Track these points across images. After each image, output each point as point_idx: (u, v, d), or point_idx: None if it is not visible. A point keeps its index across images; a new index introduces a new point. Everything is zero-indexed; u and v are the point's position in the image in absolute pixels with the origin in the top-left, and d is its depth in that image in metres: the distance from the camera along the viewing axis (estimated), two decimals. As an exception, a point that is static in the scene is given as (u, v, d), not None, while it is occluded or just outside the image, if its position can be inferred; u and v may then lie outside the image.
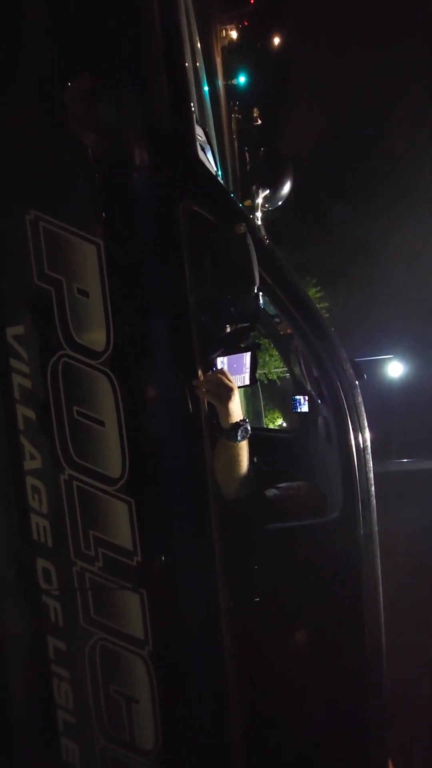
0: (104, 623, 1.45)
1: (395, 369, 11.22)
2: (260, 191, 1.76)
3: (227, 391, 1.42)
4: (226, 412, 1.43)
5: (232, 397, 1.43)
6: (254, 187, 1.77)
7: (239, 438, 1.44)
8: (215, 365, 1.62)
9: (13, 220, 1.40)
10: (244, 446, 1.47)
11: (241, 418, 1.45)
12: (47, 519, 1.46)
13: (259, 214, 1.76)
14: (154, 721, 1.47)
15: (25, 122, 1.43)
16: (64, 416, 1.42)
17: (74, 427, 1.42)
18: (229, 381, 1.43)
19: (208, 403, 1.46)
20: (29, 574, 1.47)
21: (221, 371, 1.47)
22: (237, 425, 1.43)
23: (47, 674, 1.49)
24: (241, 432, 1.43)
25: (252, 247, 1.36)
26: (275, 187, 1.77)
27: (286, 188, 1.79)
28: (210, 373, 1.47)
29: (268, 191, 1.77)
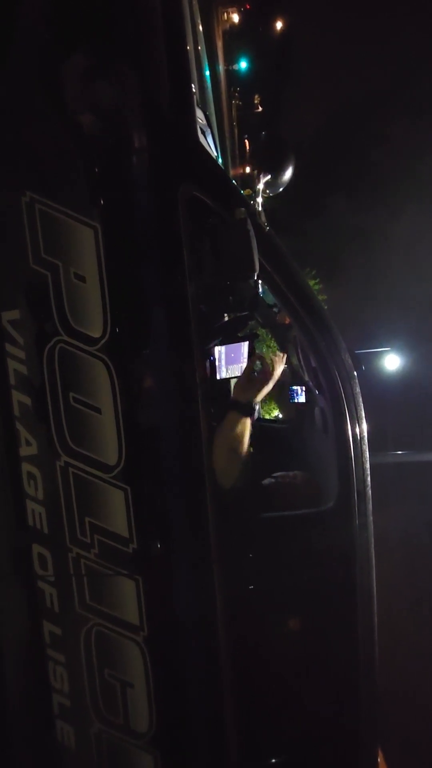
0: (100, 609, 1.46)
1: (392, 361, 11.22)
2: (261, 176, 1.73)
3: (269, 380, 1.56)
4: (260, 391, 1.53)
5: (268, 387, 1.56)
6: (255, 172, 1.74)
7: (255, 414, 1.54)
8: (213, 354, 1.62)
9: (9, 202, 1.37)
10: (249, 426, 1.52)
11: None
12: (43, 505, 1.45)
13: (259, 200, 1.74)
14: (149, 704, 1.48)
15: (21, 102, 1.39)
16: (61, 403, 1.41)
17: (70, 414, 1.41)
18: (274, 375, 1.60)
19: (209, 393, 1.47)
20: (25, 559, 1.47)
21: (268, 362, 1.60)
22: (255, 404, 1.53)
23: (43, 658, 1.50)
24: (257, 409, 1.55)
25: (252, 233, 1.34)
26: (277, 172, 1.75)
27: (288, 174, 1.76)
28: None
29: (269, 176, 1.74)
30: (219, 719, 1.52)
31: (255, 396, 1.52)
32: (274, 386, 1.57)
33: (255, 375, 1.55)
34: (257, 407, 1.55)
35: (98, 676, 1.49)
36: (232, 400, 1.53)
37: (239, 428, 1.50)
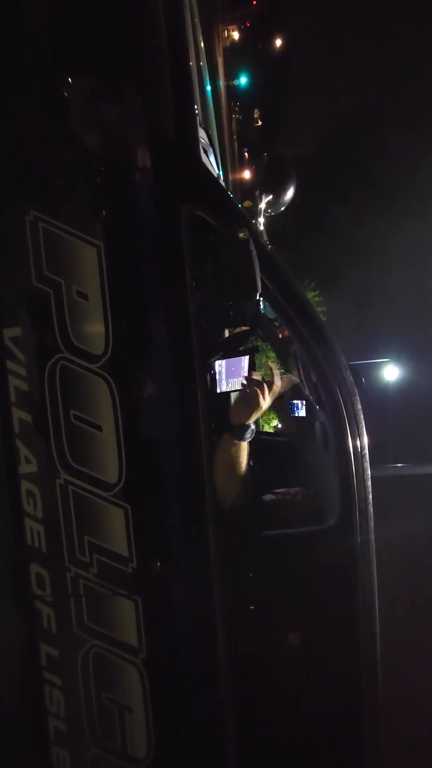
0: (98, 630, 1.44)
1: (391, 372, 11.27)
2: (263, 196, 1.75)
3: (262, 401, 1.50)
4: (250, 413, 1.49)
5: (263, 407, 1.51)
6: (257, 192, 1.76)
7: (248, 437, 1.50)
8: (213, 369, 1.61)
9: (13, 220, 1.38)
10: (246, 447, 1.51)
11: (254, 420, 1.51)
12: (42, 524, 1.44)
13: (261, 220, 1.76)
14: (147, 729, 1.45)
15: (26, 122, 1.41)
16: (61, 420, 1.41)
17: (71, 432, 1.41)
18: (269, 395, 1.52)
19: (210, 408, 1.45)
20: (22, 579, 1.45)
21: (260, 384, 1.52)
22: (249, 426, 1.49)
23: (39, 681, 1.47)
24: (250, 432, 1.50)
25: (254, 254, 1.35)
26: (278, 192, 1.77)
27: (290, 194, 1.78)
28: (255, 377, 1.54)
29: (271, 197, 1.76)
30: (219, 744, 1.48)
31: (246, 420, 1.49)
32: (275, 399, 1.56)
33: (250, 397, 1.50)
34: (252, 429, 1.50)
35: (95, 700, 1.46)
36: (228, 423, 1.51)
37: (233, 451, 1.49)
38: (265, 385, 1.51)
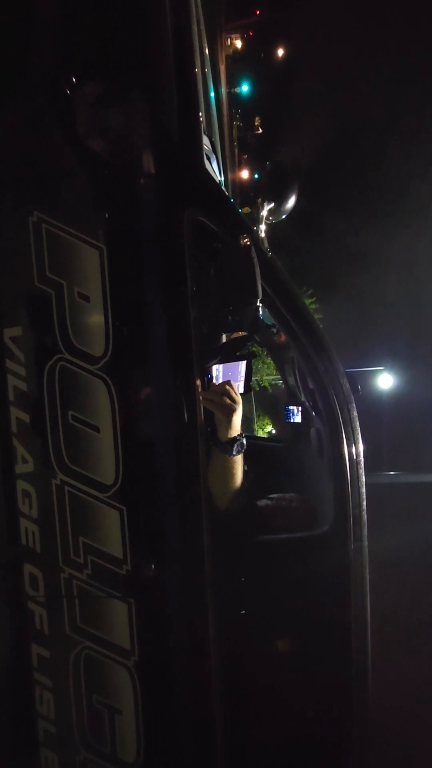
0: (90, 632, 1.43)
1: (386, 381, 11.34)
2: (265, 204, 1.77)
3: (232, 404, 1.43)
4: (228, 425, 1.43)
5: (237, 411, 1.44)
6: (259, 200, 1.78)
7: (235, 452, 1.44)
8: (211, 373, 1.62)
9: (16, 220, 1.39)
10: (238, 460, 1.48)
11: (239, 433, 1.46)
12: (37, 524, 1.43)
13: (263, 227, 1.77)
14: (137, 733, 1.44)
15: (32, 124, 1.42)
16: (59, 420, 1.41)
17: (68, 432, 1.41)
18: (236, 394, 1.44)
19: (206, 414, 1.46)
20: (16, 579, 1.45)
21: (229, 383, 1.46)
22: (234, 439, 1.44)
23: (29, 682, 1.47)
24: (237, 446, 1.45)
25: (256, 260, 1.37)
26: (280, 200, 1.79)
27: (291, 202, 1.81)
28: (218, 383, 1.48)
29: (273, 204, 1.78)
30: (209, 749, 1.48)
31: (225, 432, 1.43)
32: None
33: (219, 406, 1.40)
34: (240, 442, 1.44)
35: (86, 702, 1.45)
36: (216, 439, 1.46)
37: (226, 466, 1.46)
38: (227, 385, 1.43)
